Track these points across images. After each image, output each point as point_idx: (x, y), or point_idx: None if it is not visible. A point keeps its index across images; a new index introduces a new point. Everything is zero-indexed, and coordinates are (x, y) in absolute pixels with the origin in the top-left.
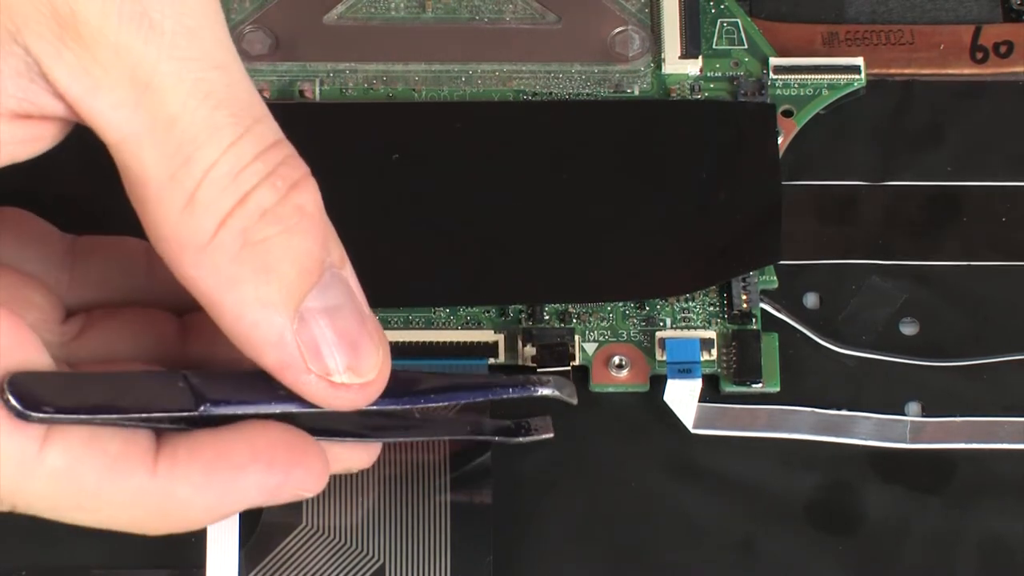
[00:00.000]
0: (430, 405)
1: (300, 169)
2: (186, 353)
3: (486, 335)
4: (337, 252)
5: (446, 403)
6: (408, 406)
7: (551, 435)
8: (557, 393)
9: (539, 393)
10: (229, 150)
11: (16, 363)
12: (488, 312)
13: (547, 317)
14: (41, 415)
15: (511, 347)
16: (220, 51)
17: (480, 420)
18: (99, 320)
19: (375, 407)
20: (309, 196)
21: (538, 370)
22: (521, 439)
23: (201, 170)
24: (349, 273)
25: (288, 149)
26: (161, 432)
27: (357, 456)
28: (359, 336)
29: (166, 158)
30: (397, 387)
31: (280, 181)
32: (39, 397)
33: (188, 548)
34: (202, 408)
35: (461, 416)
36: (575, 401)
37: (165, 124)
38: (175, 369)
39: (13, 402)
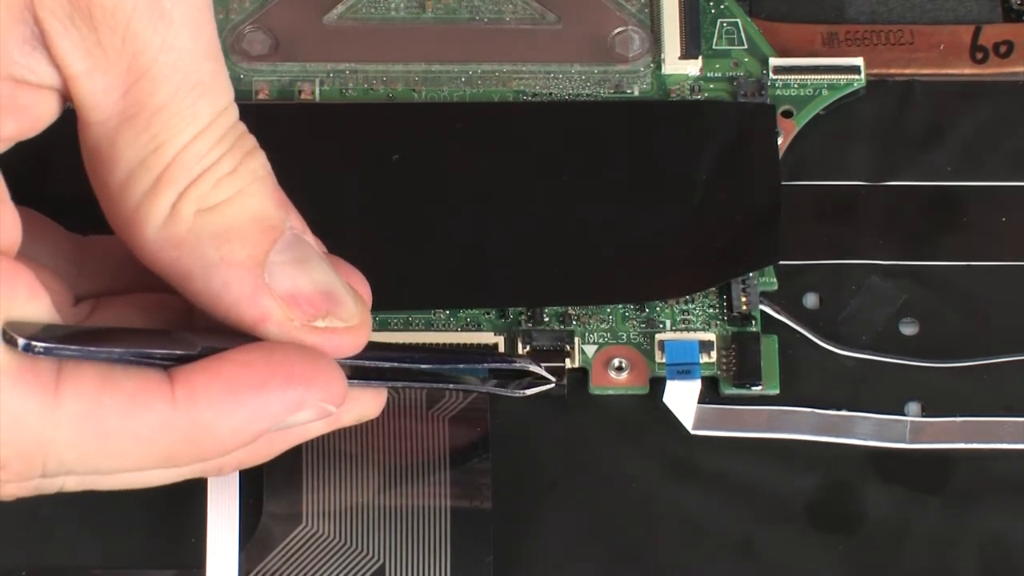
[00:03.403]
0: (414, 366)
1: (252, 141)
2: (194, 331)
3: (486, 337)
4: (296, 218)
5: (429, 365)
6: (392, 364)
7: (552, 384)
8: (536, 368)
9: (516, 365)
10: (200, 135)
11: (21, 311)
12: (488, 314)
13: (547, 319)
14: (45, 344)
15: (511, 349)
16: (214, 43)
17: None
18: (107, 303)
19: (358, 361)
20: (260, 162)
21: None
22: (526, 392)
23: (172, 155)
24: (313, 239)
25: (243, 126)
26: (168, 367)
27: (363, 405)
28: (333, 286)
29: (141, 145)
30: (381, 349)
31: (237, 151)
32: (41, 334)
33: (188, 548)
34: (200, 350)
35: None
36: (553, 379)
37: (150, 113)
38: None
39: (13, 335)
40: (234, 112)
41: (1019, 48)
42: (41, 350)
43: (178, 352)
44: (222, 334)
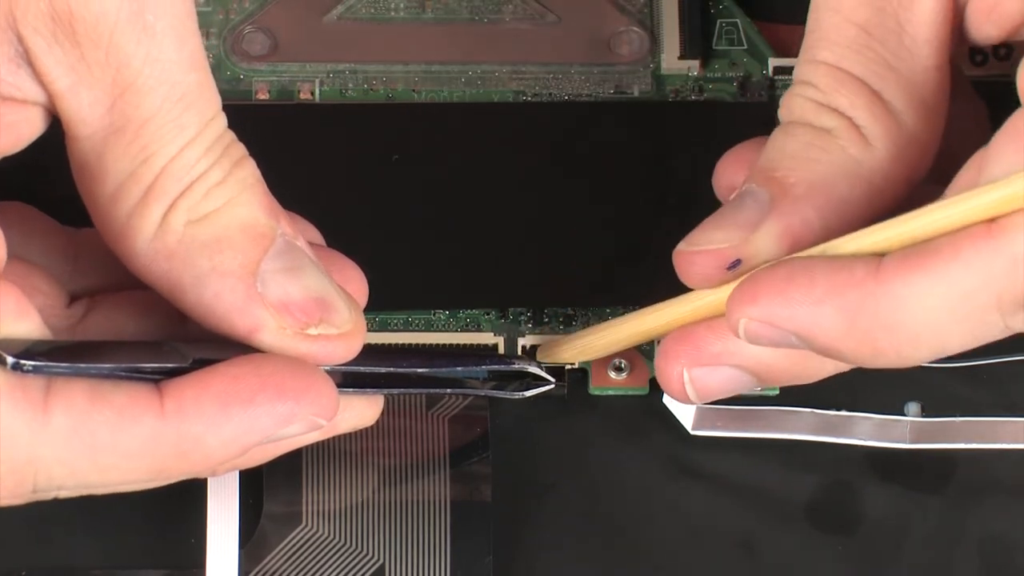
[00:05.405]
0: (411, 371)
1: (242, 149)
2: (187, 332)
3: (486, 337)
4: (287, 223)
5: (426, 369)
6: (390, 368)
7: (552, 385)
8: (535, 368)
9: (515, 366)
10: (188, 145)
11: (10, 330)
12: (488, 314)
13: (547, 320)
14: (34, 362)
15: (511, 350)
16: (199, 54)
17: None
18: (102, 303)
19: (354, 368)
20: (250, 170)
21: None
22: (526, 393)
23: (160, 166)
24: (304, 244)
25: (232, 135)
26: (158, 381)
27: (359, 413)
28: (325, 293)
29: (129, 157)
30: (377, 353)
31: (226, 161)
32: (30, 351)
33: (188, 548)
34: (191, 362)
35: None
36: (552, 380)
37: (137, 125)
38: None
39: (1, 354)
40: (222, 121)
41: (1018, 51)
42: (30, 368)
43: (169, 365)
44: (216, 342)
